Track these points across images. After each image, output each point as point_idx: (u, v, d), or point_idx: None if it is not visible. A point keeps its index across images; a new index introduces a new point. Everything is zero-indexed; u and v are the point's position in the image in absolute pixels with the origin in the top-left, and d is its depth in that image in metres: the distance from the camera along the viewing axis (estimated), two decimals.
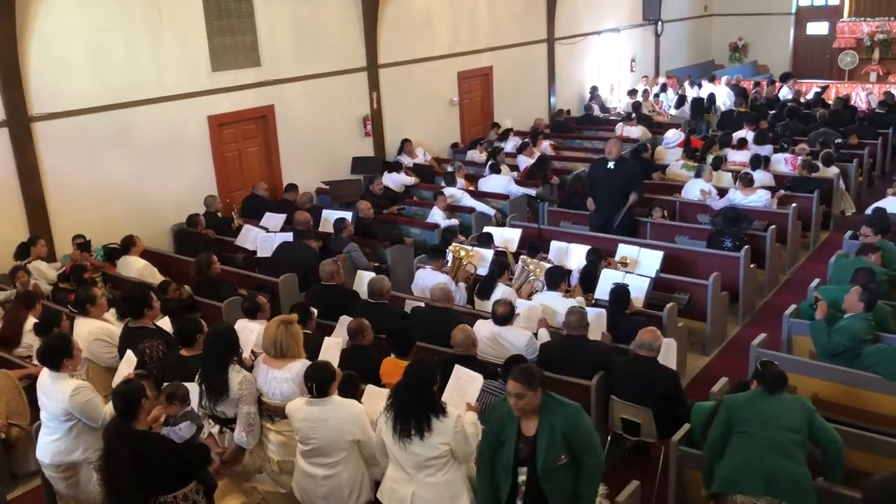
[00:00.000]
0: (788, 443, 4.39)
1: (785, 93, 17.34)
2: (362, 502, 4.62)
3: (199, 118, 10.40)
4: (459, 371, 4.95)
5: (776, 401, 4.54)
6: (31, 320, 6.74)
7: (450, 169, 12.10)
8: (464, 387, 4.86)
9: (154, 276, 8.23)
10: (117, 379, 5.15)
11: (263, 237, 9.04)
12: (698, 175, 10.61)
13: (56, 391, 4.86)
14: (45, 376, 4.98)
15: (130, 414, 4.32)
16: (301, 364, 4.91)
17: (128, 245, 8.52)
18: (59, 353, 4.91)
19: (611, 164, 9.38)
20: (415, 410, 4.18)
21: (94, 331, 5.99)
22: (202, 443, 4.59)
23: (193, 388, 4.87)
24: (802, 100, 16.73)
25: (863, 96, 17.13)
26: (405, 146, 13.04)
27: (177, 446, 4.42)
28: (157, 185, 9.95)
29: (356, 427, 4.51)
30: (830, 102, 15.92)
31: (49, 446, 4.98)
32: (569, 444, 4.03)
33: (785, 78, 18.26)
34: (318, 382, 4.49)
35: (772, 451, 4.36)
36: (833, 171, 11.12)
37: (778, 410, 4.50)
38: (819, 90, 17.48)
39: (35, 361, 5.94)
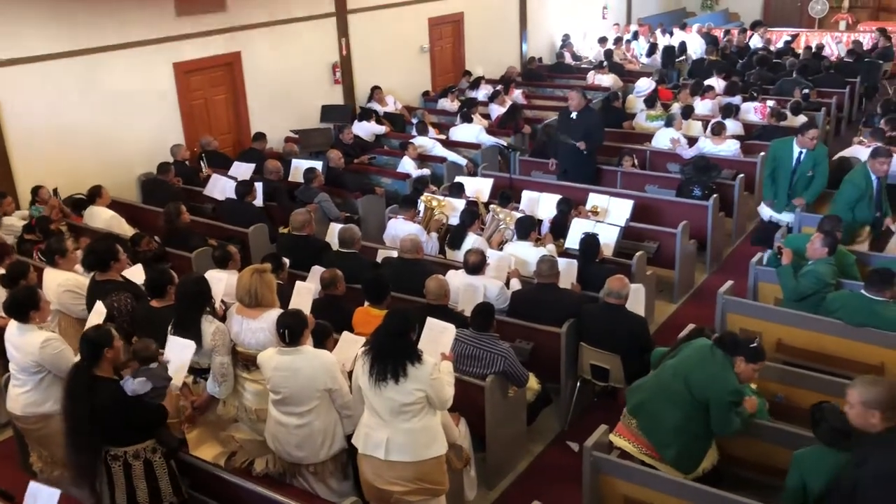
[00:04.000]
0: None
1: (755, 41, 17.35)
2: (335, 450, 4.69)
3: (165, 65, 10.16)
4: (432, 322, 4.99)
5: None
6: None
7: (414, 119, 11.98)
8: (437, 337, 4.89)
9: (122, 228, 8.13)
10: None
11: (232, 186, 8.94)
12: (669, 124, 10.63)
13: (25, 343, 4.82)
14: (13, 328, 4.93)
15: (92, 358, 4.31)
16: (276, 313, 4.91)
17: (94, 195, 8.38)
18: (25, 305, 4.85)
19: (573, 115, 9.40)
20: (392, 355, 4.23)
21: (64, 282, 5.92)
22: (160, 405, 4.48)
23: (191, 346, 4.77)
24: (773, 48, 16.76)
25: (832, 45, 17.19)
26: (375, 93, 12.89)
27: (127, 400, 4.34)
28: (122, 135, 9.75)
29: (327, 377, 4.53)
30: (800, 51, 15.97)
31: (19, 398, 4.96)
32: None
33: (755, 26, 18.26)
34: (290, 329, 4.49)
35: None
36: (801, 119, 11.19)
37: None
38: (789, 38, 17.52)
39: (1, 313, 5.86)
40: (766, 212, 8.24)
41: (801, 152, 7.79)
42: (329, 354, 4.71)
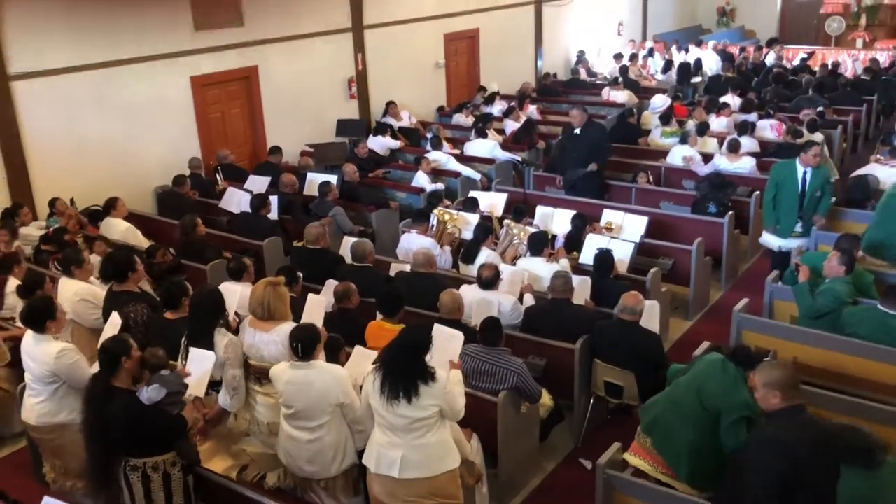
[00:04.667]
0: None
1: (771, 58, 17.32)
2: (346, 465, 4.66)
3: (182, 79, 10.25)
4: (439, 329, 4.93)
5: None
6: (13, 282, 6.69)
7: (429, 134, 12.04)
8: (444, 345, 4.85)
9: (137, 239, 8.18)
10: (102, 340, 5.12)
11: (248, 199, 8.97)
12: (683, 141, 10.60)
13: (41, 353, 4.84)
14: (29, 338, 4.95)
15: (110, 369, 4.33)
16: (289, 326, 4.91)
17: (110, 207, 8.44)
18: (42, 315, 4.88)
19: (577, 131, 9.53)
20: (404, 375, 4.17)
21: (79, 292, 5.96)
22: (180, 415, 4.47)
23: (210, 356, 4.77)
24: (788, 66, 16.71)
25: (849, 63, 17.13)
26: (390, 108, 12.94)
27: (144, 409, 4.32)
28: (139, 147, 9.84)
29: (339, 391, 4.51)
30: (816, 69, 15.92)
31: (34, 408, 4.98)
32: None
33: (771, 43, 18.22)
34: (303, 343, 4.48)
35: None
36: (818, 137, 11.14)
37: None
38: (805, 56, 17.47)
39: (18, 323, 5.90)
40: (772, 241, 7.93)
41: (805, 171, 7.60)
42: (341, 369, 4.69)
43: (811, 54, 17.81)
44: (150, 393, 4.35)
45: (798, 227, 7.73)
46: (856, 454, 4.03)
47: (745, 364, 4.50)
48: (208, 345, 4.82)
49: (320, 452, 4.60)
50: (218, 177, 10.07)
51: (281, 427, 4.73)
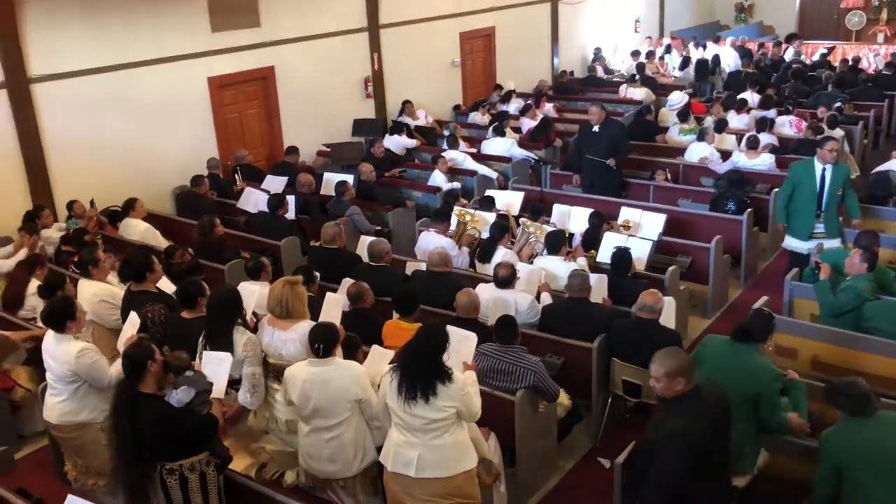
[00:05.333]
0: None
1: (790, 54, 17.16)
2: (367, 462, 4.66)
3: (199, 80, 10.32)
4: (452, 331, 4.91)
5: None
6: (35, 283, 6.77)
7: (446, 132, 12.03)
8: (458, 346, 4.85)
9: (156, 239, 8.24)
10: (121, 340, 5.16)
11: (265, 199, 9.01)
12: (701, 138, 10.53)
13: (61, 353, 4.89)
14: (50, 338, 5.00)
15: (136, 376, 4.34)
16: (307, 324, 4.93)
17: (129, 208, 8.51)
18: (62, 316, 4.92)
19: (595, 128, 9.39)
20: (422, 375, 4.16)
21: (98, 292, 6.01)
22: (210, 414, 4.50)
23: (227, 358, 4.80)
24: (808, 61, 16.55)
25: (870, 58, 16.94)
26: (406, 107, 12.95)
27: (175, 412, 4.34)
28: (157, 148, 9.91)
29: (357, 387, 4.52)
30: (836, 64, 15.76)
31: (56, 407, 5.02)
32: None
33: (790, 39, 18.06)
34: (324, 343, 4.50)
35: None
36: (838, 133, 11.03)
37: None
38: (825, 51, 17.29)
39: (39, 324, 5.97)
40: (797, 245, 7.57)
41: (823, 169, 7.32)
42: (358, 365, 4.70)
43: (831, 49, 17.62)
44: (180, 395, 4.36)
45: (819, 228, 7.41)
46: (856, 402, 4.09)
47: (755, 337, 4.61)
48: (227, 344, 4.85)
49: (341, 450, 4.60)
50: (236, 177, 10.13)
51: (300, 431, 4.74)
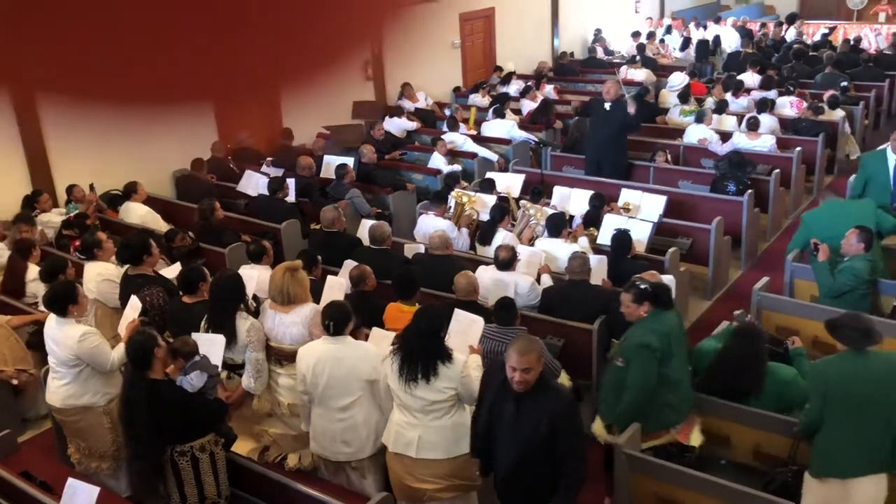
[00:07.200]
0: None
1: (791, 34, 17.07)
2: (381, 444, 4.64)
3: None
4: (459, 315, 4.97)
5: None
6: (34, 269, 6.77)
7: (447, 112, 11.99)
8: (466, 329, 4.88)
9: (157, 223, 8.24)
10: (122, 323, 5.18)
11: (265, 182, 9.01)
12: (699, 120, 10.49)
13: (63, 337, 4.91)
14: (52, 322, 5.02)
15: (144, 363, 4.38)
16: (309, 308, 4.95)
17: (130, 192, 8.50)
18: (64, 300, 4.94)
19: (607, 105, 9.24)
20: (422, 355, 4.21)
21: (102, 272, 6.04)
22: (218, 398, 4.61)
23: (220, 340, 4.82)
24: (809, 41, 16.46)
25: (871, 37, 16.84)
26: (405, 90, 12.90)
27: (190, 397, 4.44)
28: (157, 131, 9.86)
29: (370, 366, 4.54)
30: (837, 45, 15.68)
31: (59, 391, 5.05)
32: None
33: (791, 19, 17.96)
34: (335, 321, 4.52)
35: None
36: (839, 114, 11.01)
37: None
38: (826, 31, 17.20)
39: (42, 308, 5.98)
40: None
41: None
42: (372, 346, 4.73)
43: (832, 29, 17.52)
44: (194, 380, 4.45)
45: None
46: (857, 334, 4.16)
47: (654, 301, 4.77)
48: (230, 329, 4.87)
49: (353, 431, 4.61)
50: (230, 165, 10.10)
51: (312, 418, 4.75)
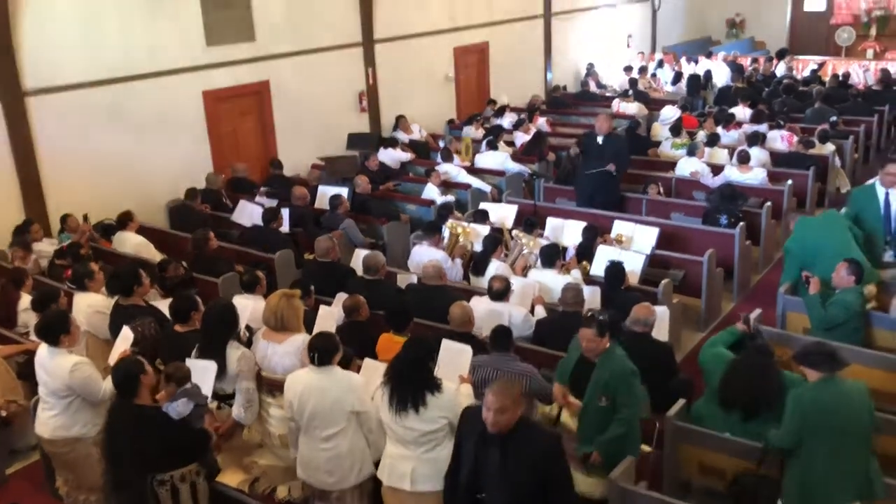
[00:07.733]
0: None
1: (781, 69, 17.30)
2: (365, 475, 4.62)
3: (194, 93, 10.33)
4: (448, 344, 4.96)
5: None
6: (26, 298, 6.73)
7: (441, 143, 12.07)
8: (454, 359, 4.87)
9: (150, 253, 8.22)
10: (113, 355, 5.15)
11: (259, 213, 9.01)
12: (691, 153, 10.58)
13: (55, 367, 4.88)
14: (44, 352, 4.99)
15: (130, 390, 4.34)
16: (302, 338, 4.93)
17: (124, 221, 8.49)
18: (56, 330, 4.92)
19: (599, 139, 9.38)
20: (411, 384, 4.21)
21: (93, 304, 6.02)
22: (204, 428, 4.54)
23: (212, 367, 4.81)
24: (799, 76, 16.68)
25: (859, 73, 17.08)
26: (400, 122, 12.99)
27: (175, 424, 4.36)
28: (152, 162, 9.89)
29: (354, 398, 4.50)
30: (826, 80, 15.89)
31: (48, 421, 5.00)
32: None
33: (781, 55, 18.21)
34: (319, 352, 4.49)
35: None
36: (829, 147, 11.12)
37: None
38: (815, 67, 17.43)
39: (33, 337, 5.95)
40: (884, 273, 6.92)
41: (887, 193, 6.92)
42: (357, 377, 4.70)
43: (822, 65, 17.76)
44: (179, 407, 4.37)
45: (889, 256, 6.98)
46: (825, 359, 4.31)
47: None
48: (220, 359, 4.84)
49: (337, 460, 4.56)
50: (223, 198, 10.11)
51: (300, 442, 4.72)
